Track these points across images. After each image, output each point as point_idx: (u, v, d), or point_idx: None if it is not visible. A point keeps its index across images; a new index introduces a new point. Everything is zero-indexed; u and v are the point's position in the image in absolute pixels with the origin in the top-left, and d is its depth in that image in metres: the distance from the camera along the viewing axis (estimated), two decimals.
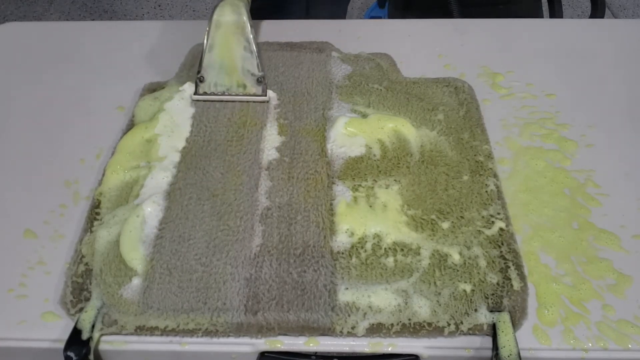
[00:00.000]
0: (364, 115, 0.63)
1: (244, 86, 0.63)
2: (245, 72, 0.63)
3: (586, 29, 0.81)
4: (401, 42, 0.76)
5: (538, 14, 1.10)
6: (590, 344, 0.46)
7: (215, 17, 0.62)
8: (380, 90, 0.66)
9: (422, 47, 0.76)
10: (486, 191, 0.55)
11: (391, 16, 1.18)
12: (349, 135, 0.60)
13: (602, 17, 1.05)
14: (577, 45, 0.76)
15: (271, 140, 0.60)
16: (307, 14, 1.10)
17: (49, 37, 0.79)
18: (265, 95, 0.63)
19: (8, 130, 0.65)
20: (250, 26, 0.62)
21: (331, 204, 0.54)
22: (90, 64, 0.74)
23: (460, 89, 0.66)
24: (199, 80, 0.63)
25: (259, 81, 0.63)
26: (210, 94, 0.63)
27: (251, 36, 0.62)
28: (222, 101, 0.63)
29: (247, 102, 0.63)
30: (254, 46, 0.62)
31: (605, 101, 0.68)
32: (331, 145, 0.59)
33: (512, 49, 0.75)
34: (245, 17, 0.62)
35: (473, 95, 0.66)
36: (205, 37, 0.62)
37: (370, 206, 0.54)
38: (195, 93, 0.63)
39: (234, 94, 0.63)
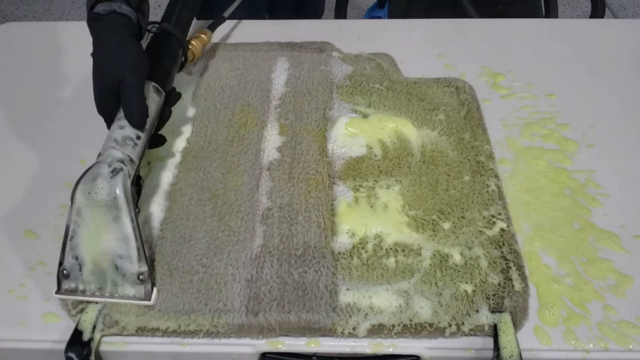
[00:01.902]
0: (365, 116, 0.62)
1: (121, 285, 0.46)
2: (120, 268, 0.46)
3: (586, 29, 0.81)
4: (402, 42, 0.76)
5: (538, 14, 1.10)
6: (591, 345, 0.46)
7: (77, 196, 0.45)
8: (381, 90, 0.66)
9: (423, 47, 0.76)
10: (487, 191, 0.55)
11: (391, 16, 1.18)
12: (350, 135, 0.60)
13: (602, 17, 1.05)
14: (577, 45, 0.76)
15: (272, 141, 0.60)
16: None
17: (49, 37, 0.79)
18: (149, 300, 0.46)
19: (8, 131, 0.65)
20: (129, 205, 0.45)
21: (332, 205, 0.54)
22: (91, 64, 0.74)
23: (461, 89, 0.66)
24: (62, 275, 0.46)
25: (141, 279, 0.46)
26: (78, 293, 0.46)
27: (129, 220, 0.45)
28: (90, 302, 0.47)
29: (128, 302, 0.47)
30: (133, 233, 0.45)
31: (606, 101, 0.68)
32: (332, 145, 0.59)
33: (513, 49, 0.75)
34: (119, 192, 0.45)
35: (474, 95, 0.66)
36: (67, 220, 0.46)
37: (371, 206, 0.54)
38: (58, 290, 0.46)
39: (106, 295, 0.46)
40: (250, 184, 0.56)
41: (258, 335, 0.46)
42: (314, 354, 0.47)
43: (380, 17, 1.43)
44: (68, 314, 0.47)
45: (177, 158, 0.58)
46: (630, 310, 0.48)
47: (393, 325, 0.46)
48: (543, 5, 1.10)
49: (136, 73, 0.49)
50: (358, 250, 0.50)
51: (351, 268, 0.49)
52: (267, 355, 0.46)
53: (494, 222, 0.52)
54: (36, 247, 0.53)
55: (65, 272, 0.46)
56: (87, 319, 0.46)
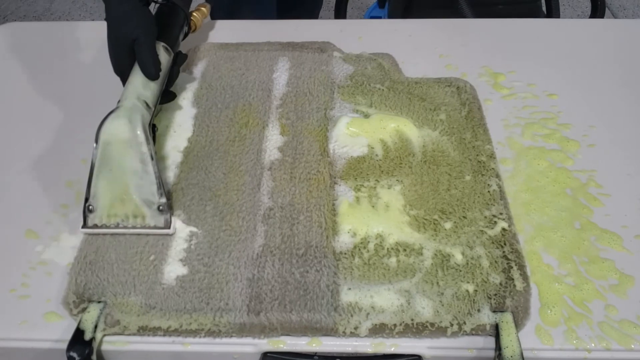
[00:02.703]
0: (366, 115, 0.63)
1: (142, 217, 0.50)
2: (142, 200, 0.50)
3: (586, 29, 0.81)
4: (403, 42, 0.76)
5: (538, 14, 1.10)
6: (592, 344, 0.46)
7: (102, 134, 0.50)
8: (382, 90, 0.66)
9: (424, 47, 0.76)
10: (488, 191, 0.55)
11: (391, 16, 1.18)
12: (351, 135, 0.60)
13: (602, 17, 1.05)
14: (578, 45, 0.76)
15: (273, 140, 0.60)
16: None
17: (49, 37, 0.79)
18: (169, 228, 0.50)
19: (9, 131, 0.65)
20: (148, 142, 0.50)
21: (333, 204, 0.54)
22: (90, 64, 0.74)
23: (462, 89, 0.66)
24: (87, 210, 0.50)
25: (160, 210, 0.50)
26: (101, 227, 0.50)
27: (149, 155, 0.50)
28: (115, 234, 0.51)
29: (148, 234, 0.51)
30: (153, 167, 0.50)
31: (607, 101, 0.68)
32: (333, 145, 0.59)
33: (514, 49, 0.75)
34: (139, 131, 0.50)
35: (475, 95, 0.66)
36: (92, 156, 0.50)
37: (373, 206, 0.54)
38: (84, 225, 0.51)
39: (129, 226, 0.50)
40: (252, 183, 0.56)
41: (259, 334, 0.46)
42: (316, 354, 0.47)
43: (380, 17, 1.43)
44: (70, 313, 0.47)
45: (179, 157, 0.58)
46: (631, 310, 0.48)
47: (394, 325, 0.46)
48: (544, 5, 1.10)
49: (147, 33, 0.56)
50: (359, 249, 0.50)
51: (352, 268, 0.49)
52: (268, 354, 0.46)
53: (496, 222, 0.52)
54: (37, 246, 0.53)
55: (90, 207, 0.51)
56: (89, 319, 0.46)
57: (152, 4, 0.62)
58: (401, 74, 0.70)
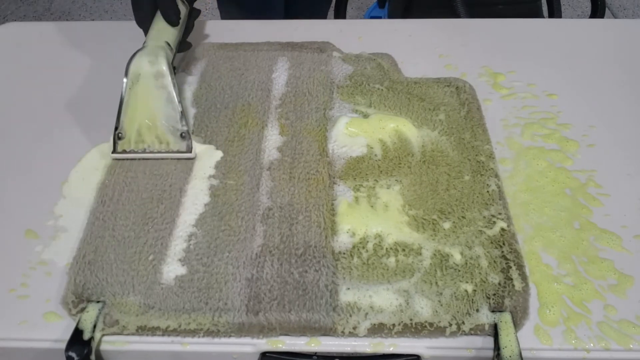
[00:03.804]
0: (365, 115, 0.63)
1: (167, 142, 0.57)
2: (167, 127, 0.57)
3: (586, 29, 0.81)
4: (402, 42, 0.76)
5: (538, 14, 1.10)
6: (591, 344, 0.46)
7: (131, 68, 0.57)
8: (382, 90, 0.66)
9: (423, 47, 0.76)
10: (487, 191, 0.55)
11: (391, 16, 1.18)
12: (350, 135, 0.60)
13: (602, 17, 1.05)
14: (578, 45, 0.76)
15: (272, 140, 0.60)
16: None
17: (49, 37, 0.79)
18: (190, 152, 0.57)
19: (8, 130, 0.65)
20: (172, 76, 0.57)
21: (332, 204, 0.54)
22: (90, 64, 0.74)
23: (461, 89, 0.66)
24: (117, 137, 0.58)
25: (183, 136, 0.57)
26: (129, 152, 0.58)
27: (172, 87, 0.57)
28: (143, 159, 0.58)
29: (171, 159, 0.58)
30: (176, 98, 0.57)
31: (607, 101, 0.68)
32: (332, 145, 0.59)
33: (513, 49, 0.75)
34: (164, 67, 0.57)
35: (474, 95, 0.66)
36: (122, 89, 0.57)
37: (372, 206, 0.54)
38: (114, 151, 0.58)
39: (155, 151, 0.58)
40: (251, 183, 0.56)
41: (258, 334, 0.46)
42: (315, 354, 0.47)
43: (380, 17, 1.43)
44: (69, 313, 0.48)
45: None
46: (630, 310, 0.48)
47: (393, 325, 0.46)
48: (545, 5, 1.10)
49: None
50: (358, 249, 0.50)
51: (351, 267, 0.49)
52: (267, 354, 0.46)
53: (495, 222, 0.52)
54: (37, 246, 0.53)
55: (120, 135, 0.57)
56: (88, 318, 0.46)
57: None
58: (400, 74, 0.70)
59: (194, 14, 0.68)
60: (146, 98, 0.57)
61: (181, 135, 0.57)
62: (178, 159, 0.58)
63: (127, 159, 0.58)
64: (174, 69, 0.60)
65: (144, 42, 0.59)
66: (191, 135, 0.58)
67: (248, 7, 1.06)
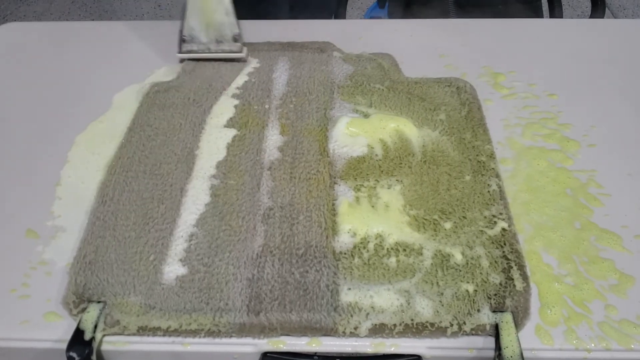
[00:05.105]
0: (366, 115, 0.63)
1: (222, 43, 0.69)
2: (223, 31, 0.68)
3: (586, 29, 0.81)
4: (403, 42, 0.76)
5: (538, 14, 1.10)
6: (592, 344, 0.46)
7: None
8: (382, 90, 0.66)
9: (424, 47, 0.76)
10: (488, 191, 0.55)
11: (391, 16, 1.18)
12: (351, 135, 0.60)
13: (602, 17, 1.05)
14: (578, 45, 0.76)
15: (273, 140, 0.60)
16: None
17: (49, 37, 0.79)
18: (242, 52, 0.69)
19: (8, 130, 0.65)
20: None
21: (333, 204, 0.54)
22: (90, 64, 0.74)
23: (462, 89, 0.66)
24: (182, 40, 0.69)
25: (235, 39, 0.69)
26: (192, 52, 0.70)
27: None
28: (203, 59, 0.70)
29: (225, 60, 0.69)
30: (230, 6, 0.68)
31: (607, 101, 0.68)
32: (333, 145, 0.59)
33: (514, 49, 0.75)
34: None
35: (475, 95, 0.66)
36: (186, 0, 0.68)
37: (373, 206, 0.54)
38: (179, 52, 0.70)
39: (213, 51, 0.70)
40: (252, 183, 0.56)
41: (259, 334, 0.46)
42: (315, 354, 0.47)
43: (380, 17, 1.43)
44: (69, 313, 0.47)
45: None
46: (631, 310, 0.48)
47: (394, 325, 0.46)
48: (545, 6, 1.10)
49: None
50: (359, 249, 0.50)
51: (352, 268, 0.49)
52: (268, 354, 0.46)
53: (495, 222, 0.52)
54: (37, 246, 0.53)
55: (184, 37, 0.70)
56: (89, 319, 0.46)
57: None
58: (401, 73, 0.70)
59: None
60: (206, 6, 0.67)
61: (234, 38, 0.69)
62: (232, 59, 0.70)
63: (192, 59, 0.70)
64: None
65: None
66: (243, 39, 0.69)
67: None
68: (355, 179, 0.56)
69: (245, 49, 0.69)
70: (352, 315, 0.46)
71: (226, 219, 0.53)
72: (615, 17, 2.07)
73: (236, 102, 0.65)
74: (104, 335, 0.46)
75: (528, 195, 0.56)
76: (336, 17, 1.15)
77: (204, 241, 0.51)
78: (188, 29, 0.69)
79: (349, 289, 0.48)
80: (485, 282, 0.48)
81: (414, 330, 0.46)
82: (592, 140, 0.63)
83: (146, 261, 0.49)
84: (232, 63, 0.70)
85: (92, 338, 0.45)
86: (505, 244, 0.51)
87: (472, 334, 0.46)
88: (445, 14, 1.00)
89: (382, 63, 0.70)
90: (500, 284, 0.48)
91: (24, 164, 0.61)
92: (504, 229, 0.52)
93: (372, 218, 0.52)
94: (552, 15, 1.08)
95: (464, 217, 0.53)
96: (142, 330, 0.46)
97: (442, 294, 0.47)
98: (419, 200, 0.54)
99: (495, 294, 0.47)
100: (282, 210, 0.53)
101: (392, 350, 0.46)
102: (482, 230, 0.52)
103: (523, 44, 0.76)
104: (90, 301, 0.47)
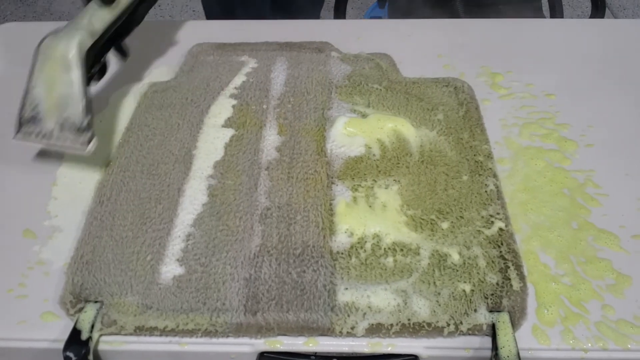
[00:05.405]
0: (364, 115, 0.63)
1: (66, 133, 0.54)
2: (67, 117, 0.54)
3: (586, 29, 0.81)
4: (401, 42, 0.76)
5: (538, 14, 1.10)
6: (589, 344, 0.46)
7: (41, 49, 0.54)
8: (380, 90, 0.66)
9: (422, 47, 0.76)
10: (486, 191, 0.55)
11: (391, 16, 1.18)
12: (349, 135, 0.60)
13: (602, 17, 1.05)
14: (577, 45, 0.76)
15: (271, 140, 0.60)
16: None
17: None
18: (86, 148, 0.54)
19: (8, 130, 0.65)
20: (81, 64, 0.54)
21: (330, 204, 0.54)
22: None
23: (459, 89, 0.66)
24: (20, 119, 0.56)
25: (81, 130, 0.54)
26: (32, 138, 0.55)
27: (78, 76, 0.53)
28: (42, 146, 0.57)
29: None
30: (80, 88, 0.53)
31: (605, 101, 0.68)
32: (331, 145, 0.59)
33: (512, 49, 0.75)
34: (73, 53, 0.53)
35: (473, 95, 0.66)
36: (30, 71, 0.55)
37: (370, 206, 0.54)
38: (15, 134, 0.56)
39: (54, 140, 0.55)
40: (249, 183, 0.56)
41: (256, 334, 0.46)
42: (313, 354, 0.47)
43: (380, 17, 1.43)
44: (66, 313, 0.48)
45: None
46: (628, 310, 0.48)
47: (391, 325, 0.46)
48: (545, 5, 1.10)
49: None
50: (356, 249, 0.50)
51: (349, 267, 0.49)
52: (265, 354, 0.46)
53: (493, 222, 0.52)
54: (35, 246, 0.53)
55: (23, 116, 0.55)
56: (86, 318, 0.46)
57: None
58: (399, 73, 0.70)
59: (149, 0, 0.63)
60: (52, 84, 0.53)
61: (81, 128, 0.54)
62: (73, 153, 0.55)
63: (27, 145, 0.56)
64: (125, 54, 0.58)
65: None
66: (92, 130, 0.54)
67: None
68: (353, 178, 0.56)
69: (92, 144, 0.54)
70: (349, 315, 0.46)
71: (223, 218, 0.53)
72: (615, 17, 2.07)
73: (234, 102, 0.65)
74: (100, 335, 0.46)
75: (525, 195, 0.56)
76: (336, 17, 1.15)
77: (201, 241, 0.51)
78: (30, 107, 0.55)
79: (346, 288, 0.48)
80: (482, 282, 0.48)
81: (411, 330, 0.46)
82: (590, 140, 0.63)
83: (143, 261, 0.50)
84: (230, 63, 0.70)
85: (89, 338, 0.45)
86: (502, 244, 0.51)
87: (469, 334, 0.46)
88: (446, 15, 1.00)
89: (380, 63, 0.70)
90: (497, 284, 0.48)
91: (21, 164, 0.61)
92: (501, 229, 0.52)
93: (369, 218, 0.53)
94: (553, 15, 1.08)
95: (461, 217, 0.53)
96: (139, 330, 0.46)
97: (439, 293, 0.47)
98: (417, 200, 0.54)
99: (492, 294, 0.47)
100: (279, 210, 0.53)
101: (389, 350, 0.46)
102: (479, 230, 0.52)
103: (521, 44, 0.76)
104: (87, 301, 0.47)
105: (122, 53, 0.62)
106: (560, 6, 1.08)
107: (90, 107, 0.54)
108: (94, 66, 0.58)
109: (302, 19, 0.82)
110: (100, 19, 0.56)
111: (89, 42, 0.55)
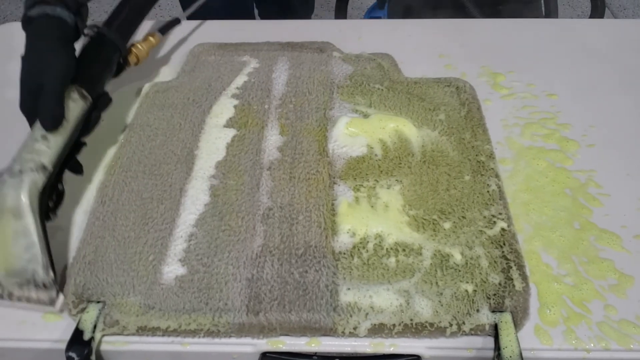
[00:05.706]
0: (366, 115, 0.63)
1: (28, 290, 0.46)
2: (28, 274, 0.46)
3: (586, 29, 0.81)
4: (402, 42, 0.76)
5: (538, 14, 1.10)
6: (592, 344, 0.46)
7: None
8: (382, 90, 0.66)
9: (423, 47, 0.76)
10: (488, 191, 0.55)
11: (391, 16, 1.18)
12: (351, 135, 0.60)
13: (602, 17, 1.05)
14: (578, 45, 0.76)
15: (272, 140, 0.60)
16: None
17: None
18: (54, 305, 0.47)
19: (7, 131, 0.65)
20: (35, 215, 0.46)
21: (333, 204, 0.54)
22: None
23: (461, 89, 0.66)
24: None
25: (45, 286, 0.46)
26: None
27: (33, 228, 0.45)
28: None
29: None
30: (37, 240, 0.45)
31: (606, 101, 0.68)
32: (332, 145, 0.59)
33: (513, 49, 0.75)
34: (24, 202, 0.45)
35: (474, 95, 0.66)
36: None
37: (372, 206, 0.54)
38: None
39: (14, 298, 0.47)
40: (251, 183, 0.56)
41: (259, 334, 0.46)
42: (315, 354, 0.47)
43: (380, 17, 1.43)
44: (69, 313, 0.47)
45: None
46: (631, 310, 0.48)
47: (394, 325, 0.46)
48: (543, 5, 1.10)
49: (57, 77, 0.49)
50: (359, 249, 0.50)
51: (352, 268, 0.49)
52: (267, 354, 0.46)
53: (495, 222, 0.52)
54: None
55: None
56: (88, 319, 0.46)
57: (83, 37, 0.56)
58: (400, 74, 0.70)
59: (100, 103, 0.55)
60: (3, 239, 0.45)
61: (43, 285, 0.46)
62: (37, 310, 0.48)
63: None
64: (58, 192, 0.50)
65: (12, 158, 0.48)
66: (56, 285, 0.47)
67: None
68: (355, 179, 0.56)
69: (59, 301, 0.47)
70: (351, 315, 0.46)
71: (225, 219, 0.53)
72: (615, 17, 2.07)
73: (236, 102, 0.65)
74: (103, 336, 0.46)
75: (527, 195, 0.56)
76: (337, 17, 1.15)
77: (204, 241, 0.51)
78: None
79: (348, 289, 0.48)
80: (485, 282, 0.48)
81: (413, 330, 0.46)
82: (592, 140, 0.63)
83: (145, 261, 0.49)
84: (232, 63, 0.70)
85: (92, 338, 0.45)
86: (504, 244, 0.51)
87: (471, 334, 0.46)
88: (445, 14, 1.00)
89: (382, 63, 0.70)
90: (500, 284, 0.48)
91: None
92: (503, 229, 0.52)
93: (371, 218, 0.53)
94: (548, 15, 1.08)
95: (463, 217, 0.53)
96: (142, 330, 0.46)
97: (441, 294, 0.47)
98: (419, 200, 0.54)
99: (495, 294, 0.47)
100: (281, 210, 0.53)
101: (391, 350, 0.46)
102: (481, 230, 0.52)
103: (522, 44, 0.76)
104: (89, 301, 0.47)
105: (76, 170, 0.54)
106: (556, 7, 1.08)
107: (48, 262, 0.46)
108: (50, 197, 0.49)
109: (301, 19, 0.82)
110: (50, 149, 0.48)
111: (41, 181, 0.47)
